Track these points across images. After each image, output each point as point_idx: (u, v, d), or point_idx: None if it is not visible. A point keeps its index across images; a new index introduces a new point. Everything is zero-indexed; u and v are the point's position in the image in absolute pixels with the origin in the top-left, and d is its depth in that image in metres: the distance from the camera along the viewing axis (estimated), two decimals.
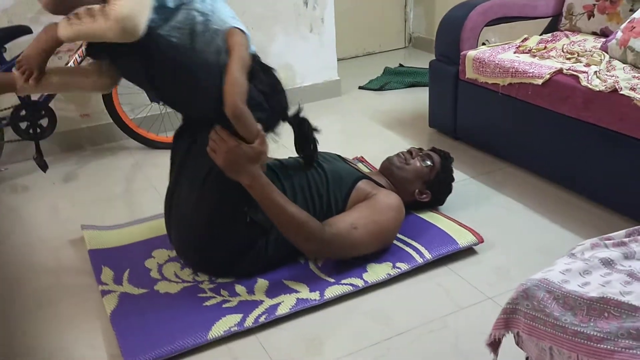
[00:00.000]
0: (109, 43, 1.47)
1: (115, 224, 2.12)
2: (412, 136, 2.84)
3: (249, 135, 1.57)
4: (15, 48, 2.43)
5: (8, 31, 2.39)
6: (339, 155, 2.03)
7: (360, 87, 3.63)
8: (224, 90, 1.51)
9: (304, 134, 1.82)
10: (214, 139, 1.58)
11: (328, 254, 1.75)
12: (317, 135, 1.85)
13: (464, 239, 1.88)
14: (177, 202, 1.74)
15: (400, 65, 3.93)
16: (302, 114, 1.82)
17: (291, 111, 1.79)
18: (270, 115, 1.68)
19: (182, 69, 1.57)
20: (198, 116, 1.69)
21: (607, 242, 1.13)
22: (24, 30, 2.41)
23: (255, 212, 1.69)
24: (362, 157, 2.53)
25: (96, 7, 1.43)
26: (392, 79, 3.68)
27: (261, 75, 1.66)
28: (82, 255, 1.97)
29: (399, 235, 1.90)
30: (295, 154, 1.91)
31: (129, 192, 2.47)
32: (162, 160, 2.67)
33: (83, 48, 2.48)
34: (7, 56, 2.41)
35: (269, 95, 1.66)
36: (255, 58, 1.68)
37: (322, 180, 1.83)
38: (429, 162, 2.00)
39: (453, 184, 2.10)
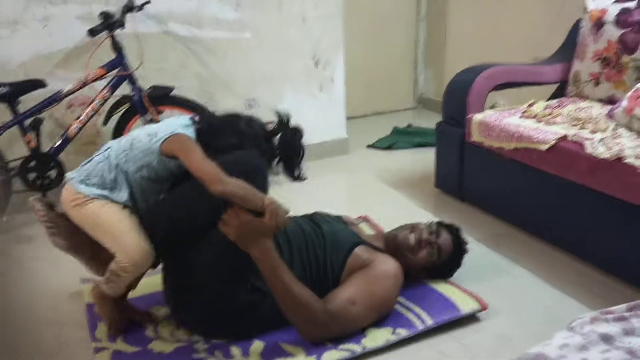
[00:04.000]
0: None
1: None
2: (419, 197, 2.83)
3: (254, 206, 1.59)
4: (29, 101, 2.49)
5: (23, 85, 2.46)
6: (339, 217, 2.02)
7: (368, 146, 3.66)
8: (206, 186, 1.54)
9: (293, 144, 1.84)
10: (226, 215, 1.60)
11: (327, 335, 1.68)
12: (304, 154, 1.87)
13: (466, 305, 1.84)
14: (180, 262, 1.72)
15: (409, 125, 3.97)
16: (290, 122, 1.85)
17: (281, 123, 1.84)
18: (274, 154, 1.77)
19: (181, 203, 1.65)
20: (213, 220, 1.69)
21: (607, 316, 1.09)
22: (39, 84, 2.48)
23: (257, 278, 1.67)
24: (367, 217, 2.52)
25: (113, 267, 1.64)
26: (400, 138, 3.71)
27: (241, 131, 1.74)
28: (80, 308, 1.94)
29: (399, 299, 1.86)
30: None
31: None
32: None
33: (96, 102, 2.54)
34: (21, 108, 2.47)
35: (256, 140, 1.73)
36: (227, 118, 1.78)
37: (319, 242, 1.81)
38: (435, 258, 1.91)
39: (458, 267, 2.02)
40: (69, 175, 1.69)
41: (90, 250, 1.73)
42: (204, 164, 1.56)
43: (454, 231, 1.99)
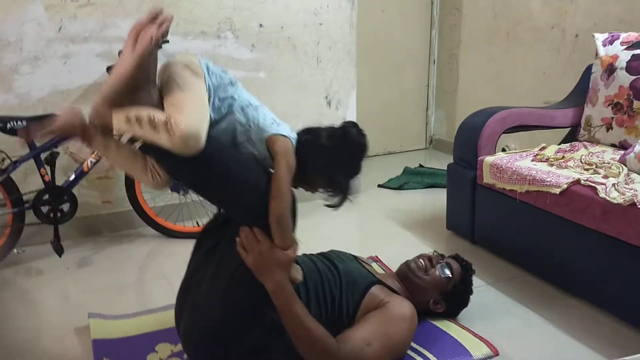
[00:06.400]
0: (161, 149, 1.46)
1: (122, 314, 2.09)
2: (430, 238, 2.82)
3: (283, 244, 1.56)
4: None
5: (41, 119, 2.49)
6: (354, 256, 2.01)
7: (379, 185, 3.66)
8: (271, 199, 1.51)
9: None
10: (247, 237, 1.56)
11: None
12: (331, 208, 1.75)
13: (478, 350, 1.81)
14: (195, 295, 1.70)
15: (420, 165, 3.98)
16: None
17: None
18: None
19: (229, 170, 1.55)
20: (236, 216, 1.65)
21: None
22: None
23: (274, 311, 1.64)
24: (377, 257, 2.50)
25: (160, 118, 1.41)
26: (412, 178, 3.71)
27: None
28: (86, 344, 1.93)
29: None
30: None
31: (140, 282, 2.46)
32: (177, 250, 2.69)
33: None
34: (38, 143, 2.51)
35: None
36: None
37: (335, 281, 1.80)
38: (448, 273, 1.95)
39: (471, 295, 2.04)
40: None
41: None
42: (287, 181, 1.54)
43: (463, 264, 2.02)
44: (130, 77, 1.45)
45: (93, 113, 1.50)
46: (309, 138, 1.67)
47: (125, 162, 1.66)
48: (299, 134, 1.68)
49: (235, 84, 1.64)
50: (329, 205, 1.70)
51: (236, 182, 1.55)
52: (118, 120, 1.45)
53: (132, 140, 1.62)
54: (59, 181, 2.57)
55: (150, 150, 1.52)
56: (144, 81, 1.50)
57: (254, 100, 1.66)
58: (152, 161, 1.64)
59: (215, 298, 1.61)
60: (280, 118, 3.32)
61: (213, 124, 1.56)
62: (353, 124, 1.72)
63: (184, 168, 1.52)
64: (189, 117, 1.41)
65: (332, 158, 1.64)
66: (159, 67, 1.57)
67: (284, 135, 1.61)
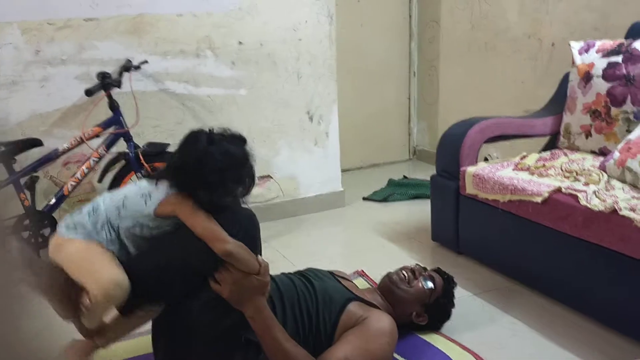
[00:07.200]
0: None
1: None
2: (415, 250, 2.82)
3: (249, 269, 1.55)
4: (25, 159, 2.50)
5: (20, 144, 2.48)
6: (330, 272, 2.00)
7: (364, 198, 3.66)
8: (208, 244, 1.50)
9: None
10: (219, 272, 1.56)
11: None
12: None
13: None
14: (173, 321, 1.68)
15: (405, 177, 3.99)
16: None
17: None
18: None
19: (168, 263, 1.56)
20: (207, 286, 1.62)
21: None
22: (35, 143, 2.50)
23: (248, 331, 1.63)
24: (363, 271, 2.50)
25: (85, 302, 1.52)
26: (396, 190, 3.72)
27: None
28: None
29: (395, 356, 1.82)
30: None
31: None
32: None
33: (91, 159, 2.56)
34: (17, 167, 2.48)
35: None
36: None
37: (312, 299, 1.78)
38: (430, 285, 1.95)
39: (453, 308, 2.04)
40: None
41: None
42: (209, 223, 1.52)
43: (445, 277, 2.03)
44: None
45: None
46: (168, 167, 1.60)
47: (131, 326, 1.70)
48: (166, 169, 1.61)
49: (97, 204, 1.60)
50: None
51: (181, 259, 1.55)
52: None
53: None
54: (39, 205, 2.54)
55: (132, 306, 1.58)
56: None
57: (117, 196, 1.61)
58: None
59: (192, 323, 1.60)
60: (263, 135, 3.33)
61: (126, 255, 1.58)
62: (198, 131, 1.59)
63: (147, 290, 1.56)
64: (96, 281, 1.50)
65: (190, 170, 1.53)
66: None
67: (161, 200, 1.57)
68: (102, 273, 1.51)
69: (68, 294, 1.55)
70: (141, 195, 1.59)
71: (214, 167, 1.51)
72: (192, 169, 1.52)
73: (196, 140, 1.55)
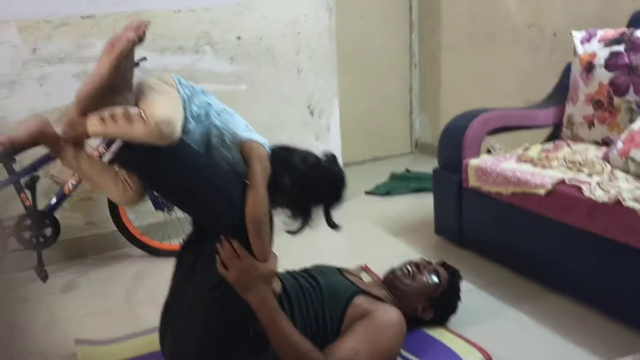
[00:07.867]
0: (140, 150, 1.47)
1: (111, 338, 2.06)
2: (419, 243, 2.80)
3: (262, 254, 1.55)
4: (25, 159, 2.49)
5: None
6: (337, 269, 1.99)
7: (366, 192, 3.65)
8: (246, 203, 1.50)
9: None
10: (227, 255, 1.53)
11: None
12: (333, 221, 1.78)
13: (470, 356, 1.80)
14: (178, 313, 1.68)
15: (407, 170, 3.97)
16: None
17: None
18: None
19: (203, 178, 1.54)
20: (214, 228, 1.62)
21: None
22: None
23: (258, 324, 1.62)
24: (367, 266, 2.48)
25: (135, 111, 1.44)
26: (399, 184, 3.70)
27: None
28: None
29: (401, 351, 1.81)
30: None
31: (128, 304, 2.43)
32: (164, 269, 2.63)
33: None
34: (17, 166, 2.47)
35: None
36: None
37: (317, 295, 1.78)
38: (435, 279, 1.93)
39: (459, 301, 2.02)
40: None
41: None
42: (263, 186, 1.53)
43: (450, 270, 2.01)
44: (107, 79, 1.46)
45: (66, 126, 1.52)
46: (283, 154, 1.66)
47: (95, 175, 1.63)
48: (273, 148, 1.67)
49: (207, 94, 1.65)
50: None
51: (211, 190, 1.54)
52: (92, 123, 1.48)
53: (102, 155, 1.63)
54: (41, 205, 2.53)
55: (122, 156, 1.52)
56: (121, 84, 1.51)
57: (228, 108, 1.67)
58: (123, 172, 1.62)
59: (197, 317, 1.58)
60: (264, 130, 3.30)
61: (190, 131, 1.56)
62: (332, 155, 1.72)
63: (157, 171, 1.51)
64: (163, 108, 1.46)
65: (299, 179, 1.62)
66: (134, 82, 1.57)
67: (258, 142, 1.62)
68: (171, 108, 1.48)
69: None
70: (245, 124, 1.65)
71: (323, 178, 1.66)
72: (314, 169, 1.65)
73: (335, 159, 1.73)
